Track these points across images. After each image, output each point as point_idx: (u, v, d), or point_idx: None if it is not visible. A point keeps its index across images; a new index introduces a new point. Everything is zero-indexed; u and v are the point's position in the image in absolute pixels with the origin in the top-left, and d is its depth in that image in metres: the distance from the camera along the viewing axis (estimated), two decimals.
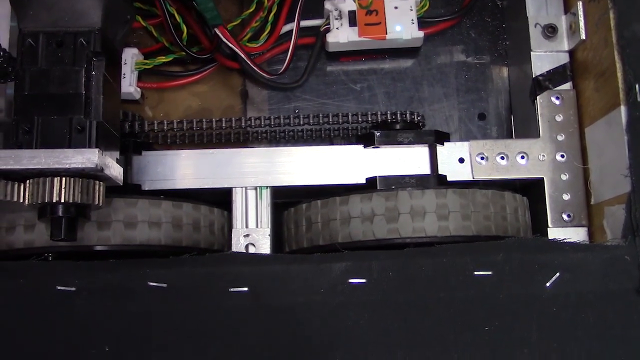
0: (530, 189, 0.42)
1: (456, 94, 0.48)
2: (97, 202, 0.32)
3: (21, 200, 0.32)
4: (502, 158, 0.41)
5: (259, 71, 0.44)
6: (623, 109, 0.36)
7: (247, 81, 0.48)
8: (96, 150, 0.31)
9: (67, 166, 0.31)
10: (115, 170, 0.34)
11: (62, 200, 0.31)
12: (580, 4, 0.41)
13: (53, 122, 0.32)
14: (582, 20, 0.41)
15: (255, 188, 0.41)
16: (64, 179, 0.31)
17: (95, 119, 0.33)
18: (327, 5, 0.46)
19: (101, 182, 0.33)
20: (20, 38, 0.33)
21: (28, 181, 0.32)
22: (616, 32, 0.37)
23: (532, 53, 0.43)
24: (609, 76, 0.38)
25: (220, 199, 0.41)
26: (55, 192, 0.31)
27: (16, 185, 0.32)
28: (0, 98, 0.33)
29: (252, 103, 0.48)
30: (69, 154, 0.31)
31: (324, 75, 0.48)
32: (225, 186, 0.41)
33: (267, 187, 0.41)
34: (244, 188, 0.41)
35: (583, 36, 0.41)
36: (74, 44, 0.33)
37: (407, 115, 0.42)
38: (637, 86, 0.36)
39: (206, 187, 0.41)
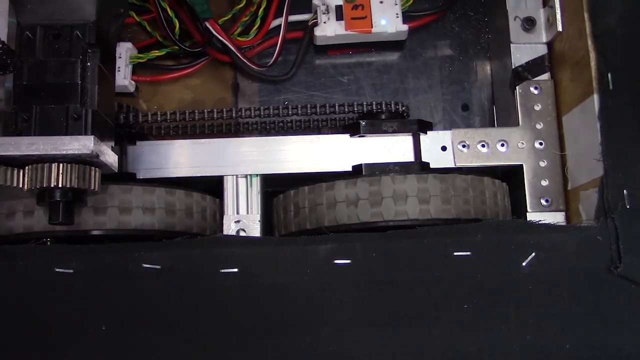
0: (510, 176, 0.44)
1: (440, 86, 0.49)
2: (93, 188, 0.34)
3: (20, 186, 0.33)
4: (483, 146, 0.43)
5: (249, 64, 0.46)
6: (596, 96, 0.38)
7: (238, 74, 0.49)
8: (92, 137, 0.33)
9: (64, 152, 0.33)
10: (110, 157, 0.35)
11: (60, 185, 0.33)
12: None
13: (50, 111, 0.34)
14: (559, 13, 0.43)
15: (246, 176, 0.43)
16: (61, 164, 0.33)
17: (90, 107, 0.34)
18: (315, 0, 0.47)
19: (97, 169, 0.34)
20: (18, 31, 0.34)
21: (27, 167, 0.33)
22: (590, 23, 0.39)
23: (511, 45, 0.45)
24: (583, 66, 0.39)
25: (212, 188, 0.43)
26: (53, 177, 0.33)
27: (15, 171, 0.33)
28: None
29: (243, 95, 0.49)
30: (66, 140, 0.33)
31: (312, 68, 0.49)
32: (217, 174, 0.43)
33: (257, 175, 0.43)
34: (234, 176, 0.43)
35: (560, 28, 0.42)
36: (69, 37, 0.34)
37: (392, 105, 0.44)
38: (609, 75, 0.38)
39: (198, 175, 0.42)
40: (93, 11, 0.34)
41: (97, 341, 0.35)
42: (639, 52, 0.38)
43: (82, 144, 0.33)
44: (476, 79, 0.49)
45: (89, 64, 0.34)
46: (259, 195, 0.42)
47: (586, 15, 0.39)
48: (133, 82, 0.47)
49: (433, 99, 0.49)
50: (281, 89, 0.49)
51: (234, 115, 0.45)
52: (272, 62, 0.47)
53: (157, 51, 0.47)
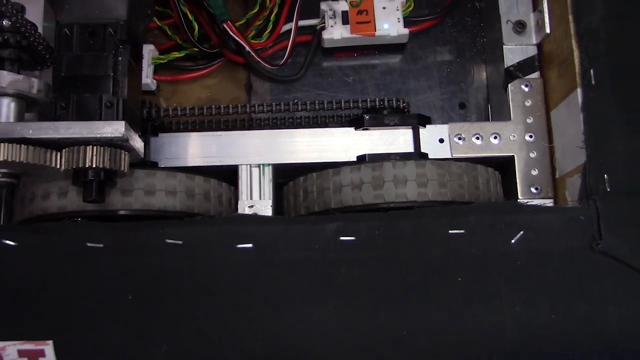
0: (503, 166, 0.47)
1: (439, 86, 0.53)
2: (122, 169, 0.38)
3: (58, 167, 0.37)
4: (478, 138, 0.46)
5: (263, 63, 0.50)
6: (579, 91, 0.42)
7: (251, 75, 0.53)
8: (123, 122, 0.36)
9: (98, 136, 0.36)
10: (137, 143, 0.39)
11: (94, 166, 0.37)
12: (545, 2, 0.46)
13: (86, 99, 0.37)
14: (547, 16, 0.46)
15: (259, 165, 0.46)
16: (95, 147, 0.37)
17: (121, 97, 0.38)
18: (323, 6, 0.51)
19: (126, 152, 0.38)
20: (57, 29, 0.38)
21: (64, 150, 0.37)
22: (574, 24, 0.43)
23: (504, 47, 0.49)
24: (568, 64, 0.43)
25: (227, 177, 0.47)
26: (87, 158, 0.37)
27: (54, 153, 0.37)
28: (40, 81, 0.38)
29: (255, 94, 0.53)
30: (100, 125, 0.36)
31: (320, 69, 0.53)
32: (233, 164, 0.46)
33: (269, 164, 0.46)
34: (248, 165, 0.46)
35: (548, 30, 0.46)
36: (103, 34, 0.38)
37: (394, 101, 0.47)
38: (591, 71, 0.41)
39: (216, 164, 0.46)
40: (124, 11, 0.38)
41: (125, 308, 0.38)
42: (619, 49, 0.41)
43: (114, 128, 0.36)
44: (472, 79, 0.53)
45: (120, 58, 0.38)
46: (271, 183, 0.46)
47: (571, 17, 0.43)
48: (155, 81, 0.51)
49: (432, 98, 0.52)
50: (291, 89, 0.53)
51: (247, 110, 0.48)
52: (282, 62, 0.51)
53: (177, 53, 0.51)
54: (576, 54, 0.42)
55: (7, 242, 0.39)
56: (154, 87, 0.51)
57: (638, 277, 0.38)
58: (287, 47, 0.51)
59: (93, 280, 0.39)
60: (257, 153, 0.46)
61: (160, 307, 0.39)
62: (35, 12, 0.43)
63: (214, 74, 0.53)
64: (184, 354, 0.38)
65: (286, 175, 0.47)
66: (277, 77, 0.52)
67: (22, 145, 0.35)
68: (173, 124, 0.49)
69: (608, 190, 0.39)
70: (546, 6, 0.46)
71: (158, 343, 0.38)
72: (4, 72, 0.37)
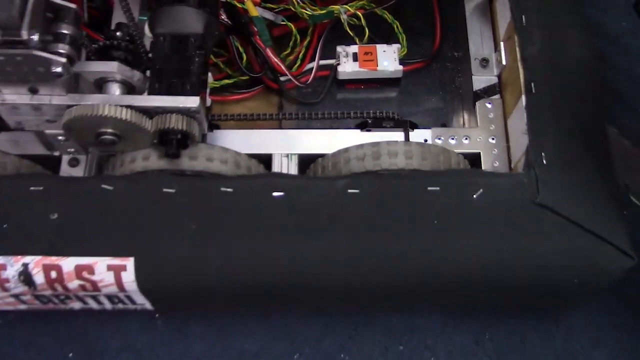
0: (473, 161, 0.62)
1: (426, 112, 0.68)
2: (194, 132, 0.53)
3: (149, 128, 0.52)
4: (453, 139, 0.62)
5: (293, 80, 0.65)
6: (523, 96, 0.57)
7: (283, 99, 0.69)
8: (197, 98, 0.52)
9: (180, 106, 0.52)
10: (204, 117, 0.54)
11: (175, 128, 0.52)
12: (502, 44, 0.63)
13: (173, 84, 0.53)
14: (503, 53, 0.63)
15: (288, 155, 0.61)
16: (176, 114, 0.52)
17: (197, 84, 0.54)
18: (339, 49, 0.67)
19: (197, 122, 0.53)
20: (154, 37, 0.55)
21: (155, 116, 0.52)
22: (520, 53, 0.59)
23: (473, 77, 0.65)
24: (517, 82, 0.59)
25: (264, 163, 0.61)
26: (172, 122, 0.52)
27: (147, 119, 0.52)
28: (139, 73, 0.54)
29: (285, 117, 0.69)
30: (182, 99, 0.52)
31: (335, 96, 0.69)
32: (268, 152, 0.61)
33: (295, 154, 0.61)
34: (280, 154, 0.61)
35: (504, 62, 0.63)
36: (186, 41, 0.54)
37: (390, 113, 0.63)
38: (531, 83, 0.57)
39: (255, 153, 0.61)
40: (201, 28, 0.55)
41: (190, 234, 0.52)
42: (551, 68, 0.57)
43: (191, 101, 0.52)
44: (452, 106, 0.68)
45: (197, 59, 0.54)
46: (297, 167, 0.61)
47: (517, 49, 0.59)
48: (209, 99, 0.67)
49: (421, 119, 0.67)
50: (312, 110, 0.69)
51: (279, 118, 0.64)
52: (308, 83, 0.67)
53: (227, 80, 0.68)
54: (521, 73, 0.58)
55: (106, 186, 0.54)
56: (209, 104, 0.66)
57: (564, 222, 0.52)
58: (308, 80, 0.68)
59: (165, 214, 0.52)
60: (286, 146, 0.62)
61: (214, 235, 0.51)
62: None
63: (254, 97, 0.68)
64: (229, 270, 0.52)
65: (307, 163, 0.62)
66: (303, 101, 0.68)
67: (128, 109, 0.51)
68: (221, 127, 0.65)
69: (544, 162, 0.54)
70: (502, 46, 0.63)
71: (211, 261, 0.51)
72: (116, 63, 0.53)
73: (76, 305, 0.58)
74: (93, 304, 0.57)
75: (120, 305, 0.57)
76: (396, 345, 0.64)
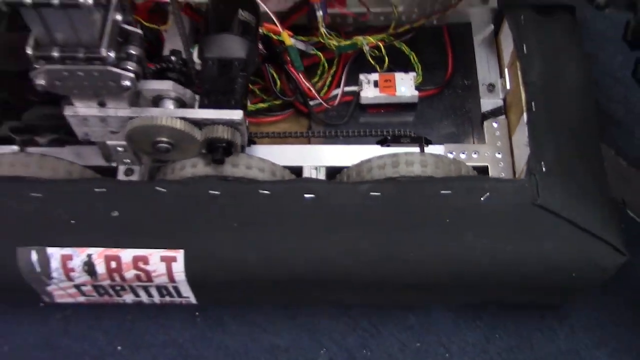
0: (481, 173, 0.69)
1: (440, 133, 0.76)
2: (237, 142, 0.61)
3: (198, 137, 0.61)
4: (463, 153, 0.69)
5: (322, 102, 0.74)
6: (525, 114, 0.65)
7: (311, 121, 0.77)
8: (241, 111, 0.60)
9: (226, 118, 0.60)
10: (245, 130, 0.62)
11: (221, 137, 0.60)
12: (507, 70, 0.71)
13: (219, 100, 0.62)
14: (508, 79, 0.71)
15: (316, 167, 0.69)
16: (222, 125, 0.60)
17: (240, 101, 0.62)
18: (361, 77, 0.76)
19: (240, 133, 0.62)
20: (203, 61, 0.64)
21: (204, 127, 0.61)
22: (522, 78, 0.67)
23: (481, 100, 0.73)
24: (519, 103, 0.67)
25: (295, 174, 0.69)
26: (219, 131, 0.60)
27: (197, 129, 0.61)
28: (190, 91, 0.62)
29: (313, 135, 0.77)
30: (227, 112, 0.60)
31: (358, 119, 0.77)
32: (299, 165, 0.69)
33: (323, 166, 0.69)
34: (309, 166, 0.69)
35: (508, 87, 0.71)
36: (231, 65, 0.63)
37: (407, 131, 0.71)
38: (532, 102, 0.65)
39: (288, 165, 0.69)
40: (244, 53, 0.63)
41: (232, 230, 0.59)
42: (549, 90, 0.65)
43: (236, 114, 0.60)
44: (463, 128, 0.76)
45: (240, 80, 0.63)
46: (324, 178, 0.68)
47: (520, 74, 0.67)
48: (247, 120, 0.75)
49: (435, 140, 0.75)
50: (338, 131, 0.77)
51: (309, 135, 0.72)
52: (335, 104, 0.75)
53: (262, 104, 0.76)
54: (523, 95, 0.66)
55: (159, 188, 0.62)
56: (246, 125, 0.75)
57: (562, 221, 0.59)
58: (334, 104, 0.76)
59: (211, 213, 0.59)
60: (315, 159, 0.69)
61: (254, 230, 0.59)
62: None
63: (285, 120, 0.77)
64: (265, 263, 0.59)
65: (334, 174, 0.69)
66: (330, 122, 0.76)
67: (182, 120, 0.59)
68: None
69: (544, 170, 0.61)
70: (507, 73, 0.71)
71: (250, 254, 0.58)
72: (171, 82, 0.61)
73: (128, 297, 0.65)
74: (144, 296, 0.65)
75: (167, 298, 0.65)
76: (413, 342, 0.70)
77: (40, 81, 0.53)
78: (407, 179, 0.62)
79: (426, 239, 0.57)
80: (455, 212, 0.58)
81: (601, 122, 0.75)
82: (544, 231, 0.57)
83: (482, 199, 0.58)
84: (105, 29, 0.51)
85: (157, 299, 0.65)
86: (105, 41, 0.51)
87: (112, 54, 0.51)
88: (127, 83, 0.53)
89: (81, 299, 0.65)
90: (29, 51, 0.51)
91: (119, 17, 0.53)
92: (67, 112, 0.59)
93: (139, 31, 0.55)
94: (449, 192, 0.60)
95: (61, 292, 0.64)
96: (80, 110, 0.59)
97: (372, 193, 0.59)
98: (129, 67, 0.54)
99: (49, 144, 0.68)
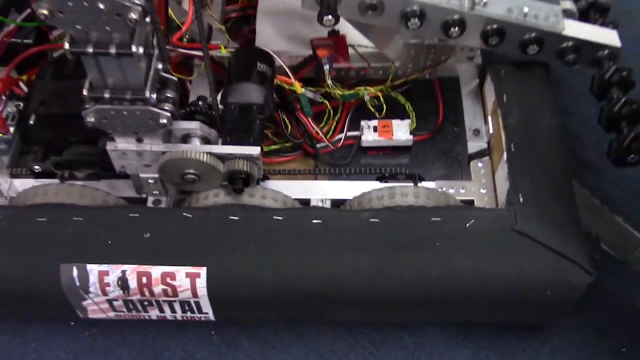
0: None
1: (431, 173, 0.85)
2: (255, 174, 0.70)
3: (221, 169, 0.70)
4: (452, 189, 0.78)
5: (329, 144, 0.83)
6: (505, 153, 0.74)
7: (317, 161, 0.86)
8: (259, 147, 0.70)
9: (245, 152, 0.69)
10: (261, 165, 0.72)
11: (240, 169, 0.69)
12: (490, 117, 0.81)
13: (240, 138, 0.71)
14: (491, 124, 0.81)
15: (322, 199, 0.78)
16: (242, 159, 0.70)
17: (258, 141, 0.72)
18: (362, 122, 0.85)
19: (257, 167, 0.71)
20: (225, 105, 0.73)
21: (226, 161, 0.70)
22: (502, 123, 0.77)
23: (467, 143, 0.82)
24: (500, 144, 0.76)
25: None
26: (239, 164, 0.69)
27: (220, 162, 0.70)
28: (214, 131, 0.72)
29: (319, 173, 0.86)
30: (247, 148, 0.69)
31: (359, 160, 0.87)
32: (306, 197, 0.78)
33: (328, 199, 0.78)
34: (316, 199, 0.78)
35: (491, 131, 0.80)
36: (250, 108, 0.73)
37: (403, 169, 0.80)
38: (511, 144, 0.74)
39: (297, 197, 0.78)
40: (261, 99, 0.73)
41: (249, 251, 0.68)
42: (526, 133, 0.75)
43: (254, 150, 0.70)
44: (452, 168, 0.85)
45: (258, 121, 0.72)
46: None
47: (500, 120, 0.77)
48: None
49: (427, 178, 0.84)
50: (342, 171, 0.86)
51: (315, 173, 0.82)
52: (339, 146, 0.85)
53: (274, 146, 0.86)
54: (503, 137, 0.75)
55: (186, 214, 0.70)
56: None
57: (537, 245, 0.67)
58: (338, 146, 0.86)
59: (231, 235, 0.68)
60: (321, 193, 0.78)
61: (268, 250, 0.68)
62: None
63: (294, 160, 0.86)
64: (279, 280, 0.67)
65: (338, 206, 0.78)
66: (334, 163, 0.85)
67: (208, 154, 0.69)
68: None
69: (521, 201, 0.70)
70: (490, 119, 0.81)
71: (266, 270, 0.67)
72: (198, 122, 0.71)
73: (154, 313, 0.73)
74: (167, 312, 0.73)
75: (188, 314, 0.73)
76: None
77: (91, 119, 0.63)
78: (403, 208, 0.70)
79: (419, 260, 0.65)
80: (444, 237, 0.65)
81: (577, 165, 0.86)
82: (522, 253, 0.64)
83: (467, 225, 0.66)
84: (149, 75, 0.61)
85: (179, 315, 0.73)
86: (149, 85, 0.60)
87: (154, 96, 0.61)
88: (164, 121, 0.63)
89: (111, 314, 0.73)
90: (85, 92, 0.60)
91: (159, 66, 0.63)
92: (109, 146, 0.68)
93: (175, 78, 0.65)
94: (439, 219, 0.68)
95: (94, 307, 0.72)
96: (120, 145, 0.68)
97: (371, 219, 0.67)
98: (166, 108, 0.63)
99: (86, 178, 0.77)
